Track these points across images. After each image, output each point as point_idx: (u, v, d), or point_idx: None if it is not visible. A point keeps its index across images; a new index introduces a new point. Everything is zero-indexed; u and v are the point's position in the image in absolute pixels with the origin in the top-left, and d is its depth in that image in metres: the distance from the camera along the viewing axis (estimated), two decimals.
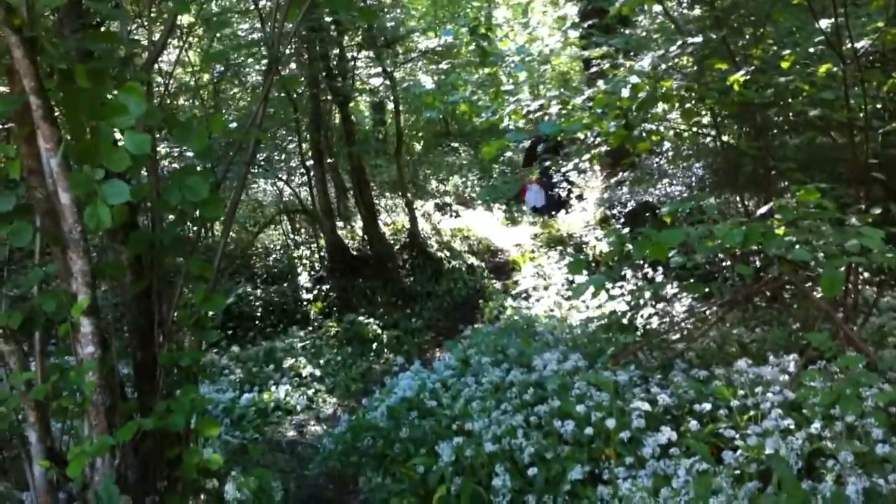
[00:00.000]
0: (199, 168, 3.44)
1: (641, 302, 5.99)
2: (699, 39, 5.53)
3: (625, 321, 6.00)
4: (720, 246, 4.22)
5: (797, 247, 3.94)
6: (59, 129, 2.90)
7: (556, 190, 13.91)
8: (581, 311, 8.86)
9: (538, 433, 4.51)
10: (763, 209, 4.33)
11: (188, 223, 3.72)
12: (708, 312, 5.52)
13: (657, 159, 11.09)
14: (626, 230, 10.50)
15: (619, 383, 4.76)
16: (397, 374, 8.20)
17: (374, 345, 10.14)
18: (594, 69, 8.49)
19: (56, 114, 2.90)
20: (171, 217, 3.59)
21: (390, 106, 14.74)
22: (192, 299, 3.60)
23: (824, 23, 5.10)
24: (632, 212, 10.73)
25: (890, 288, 5.99)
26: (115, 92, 2.84)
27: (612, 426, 4.22)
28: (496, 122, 7.11)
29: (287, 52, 10.62)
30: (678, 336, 5.34)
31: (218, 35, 10.67)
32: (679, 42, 5.64)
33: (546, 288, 10.87)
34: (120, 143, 2.78)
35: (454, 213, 15.33)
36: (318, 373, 8.93)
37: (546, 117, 7.07)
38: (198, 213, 3.43)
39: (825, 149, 6.33)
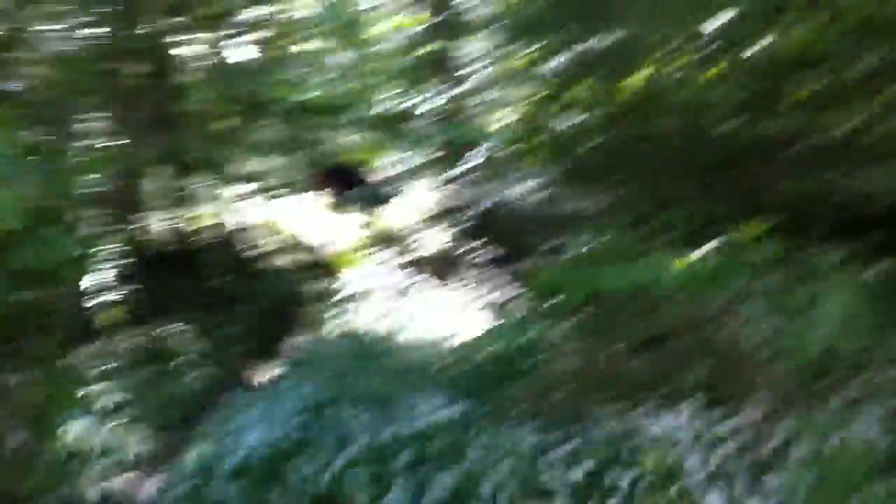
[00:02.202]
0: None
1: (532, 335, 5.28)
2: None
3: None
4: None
5: None
6: None
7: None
8: (410, 324, 8.21)
9: None
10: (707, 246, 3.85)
11: None
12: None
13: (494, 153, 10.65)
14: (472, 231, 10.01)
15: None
16: (218, 398, 7.23)
17: (184, 358, 8.87)
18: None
19: None
20: None
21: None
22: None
23: None
24: (482, 214, 10.26)
25: None
26: None
27: None
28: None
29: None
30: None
31: None
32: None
33: (375, 291, 10.13)
34: None
35: (271, 200, 13.99)
36: (119, 398, 7.55)
37: None
38: None
39: None
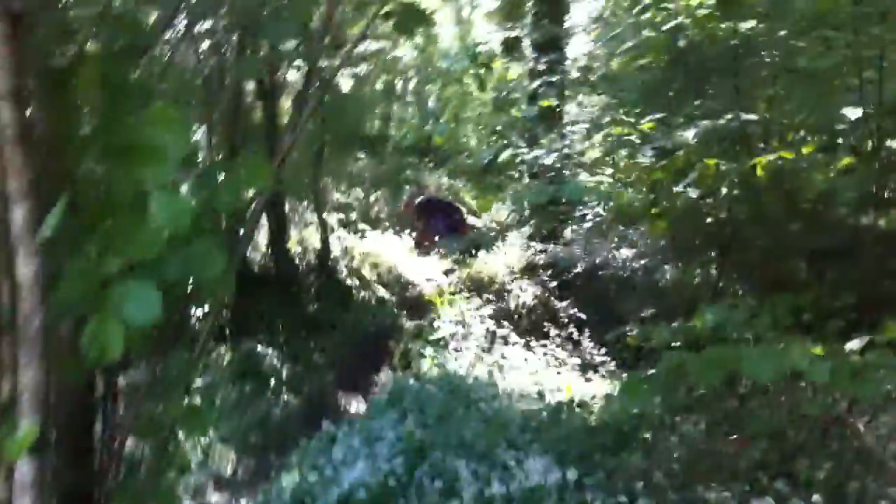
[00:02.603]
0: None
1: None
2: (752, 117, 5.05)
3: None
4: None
5: None
6: (34, 164, 1.76)
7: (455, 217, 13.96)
8: (505, 373, 8.19)
9: None
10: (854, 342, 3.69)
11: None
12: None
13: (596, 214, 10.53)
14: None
15: None
16: (308, 424, 7.23)
17: (272, 382, 8.95)
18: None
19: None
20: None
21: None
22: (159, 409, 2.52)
23: None
24: (579, 274, 10.15)
25: None
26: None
27: None
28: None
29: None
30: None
31: None
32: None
33: (465, 338, 10.09)
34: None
35: (361, 233, 14.16)
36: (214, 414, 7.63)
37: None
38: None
39: None
